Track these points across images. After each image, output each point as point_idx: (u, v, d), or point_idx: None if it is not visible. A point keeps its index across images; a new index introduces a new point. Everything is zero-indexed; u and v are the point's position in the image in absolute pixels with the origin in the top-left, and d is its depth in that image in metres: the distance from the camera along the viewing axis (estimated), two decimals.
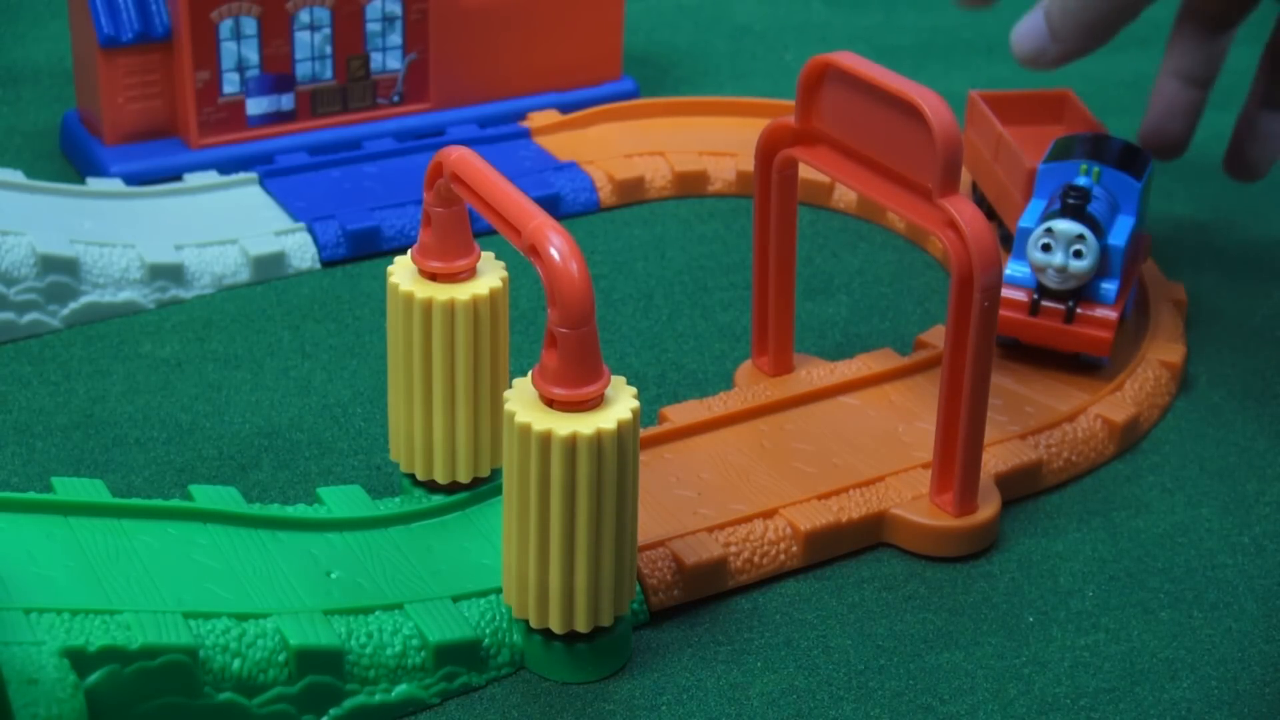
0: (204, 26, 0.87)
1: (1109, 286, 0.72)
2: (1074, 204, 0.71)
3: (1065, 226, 0.71)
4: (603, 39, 0.99)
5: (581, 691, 0.58)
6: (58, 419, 0.71)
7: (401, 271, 0.62)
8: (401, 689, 0.57)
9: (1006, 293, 0.73)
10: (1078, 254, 0.71)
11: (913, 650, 0.60)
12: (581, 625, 0.57)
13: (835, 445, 0.68)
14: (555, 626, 0.57)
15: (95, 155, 0.89)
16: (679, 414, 0.69)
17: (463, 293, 0.60)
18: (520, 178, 0.88)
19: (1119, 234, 0.73)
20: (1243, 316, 0.82)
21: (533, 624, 0.57)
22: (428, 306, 0.60)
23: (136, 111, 0.89)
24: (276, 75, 0.90)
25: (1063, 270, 0.71)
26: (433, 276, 0.61)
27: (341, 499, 0.64)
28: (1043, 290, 0.73)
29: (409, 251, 0.62)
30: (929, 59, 1.12)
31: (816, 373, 0.73)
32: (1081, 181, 0.74)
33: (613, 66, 1.00)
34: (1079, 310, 0.72)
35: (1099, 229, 0.71)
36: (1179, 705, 0.58)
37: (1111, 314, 0.72)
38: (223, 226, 0.84)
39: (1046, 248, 0.71)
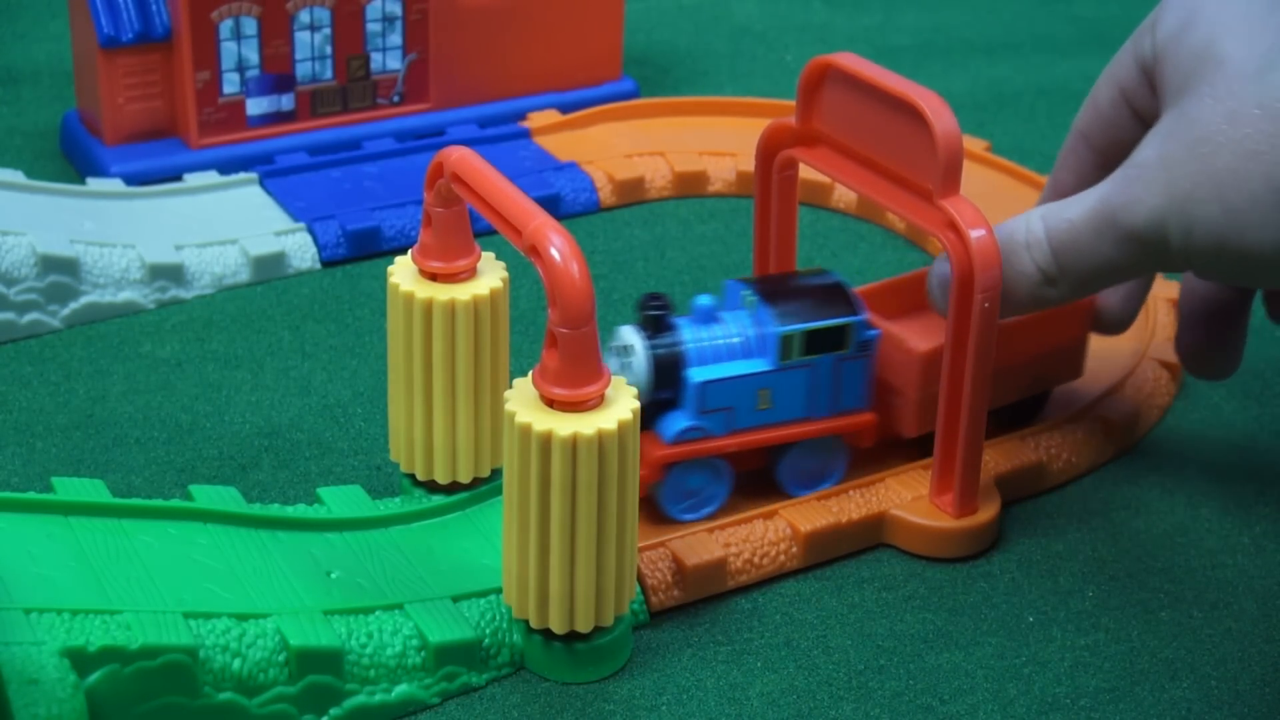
0: (204, 26, 0.87)
1: (674, 422, 0.62)
2: (649, 313, 0.62)
3: (624, 331, 0.62)
4: (603, 39, 0.99)
5: (581, 691, 0.58)
6: (58, 419, 0.71)
7: (402, 271, 0.62)
8: (401, 689, 0.57)
9: None
10: (628, 368, 0.62)
11: (913, 650, 0.61)
12: (581, 625, 0.57)
13: None
14: (555, 627, 0.57)
15: (95, 155, 0.89)
16: None
17: (463, 293, 0.60)
18: (520, 178, 0.88)
19: (720, 370, 0.62)
20: None
21: (533, 624, 0.57)
22: (428, 306, 0.60)
23: (136, 111, 0.89)
24: (276, 75, 0.90)
25: None
26: (433, 277, 0.61)
27: (341, 499, 0.64)
28: None
29: (409, 252, 0.62)
30: (929, 59, 1.12)
31: None
32: (741, 310, 0.63)
33: (613, 66, 1.00)
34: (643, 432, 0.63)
35: (676, 352, 0.62)
36: (1179, 705, 0.58)
37: (659, 451, 0.62)
38: (223, 226, 0.84)
39: (613, 352, 0.62)
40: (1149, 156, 0.56)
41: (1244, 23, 0.55)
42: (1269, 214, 0.53)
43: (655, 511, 0.63)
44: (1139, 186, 0.56)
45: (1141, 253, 0.57)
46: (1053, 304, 0.61)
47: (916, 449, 0.68)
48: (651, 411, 0.62)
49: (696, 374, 0.62)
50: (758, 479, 0.65)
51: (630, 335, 0.62)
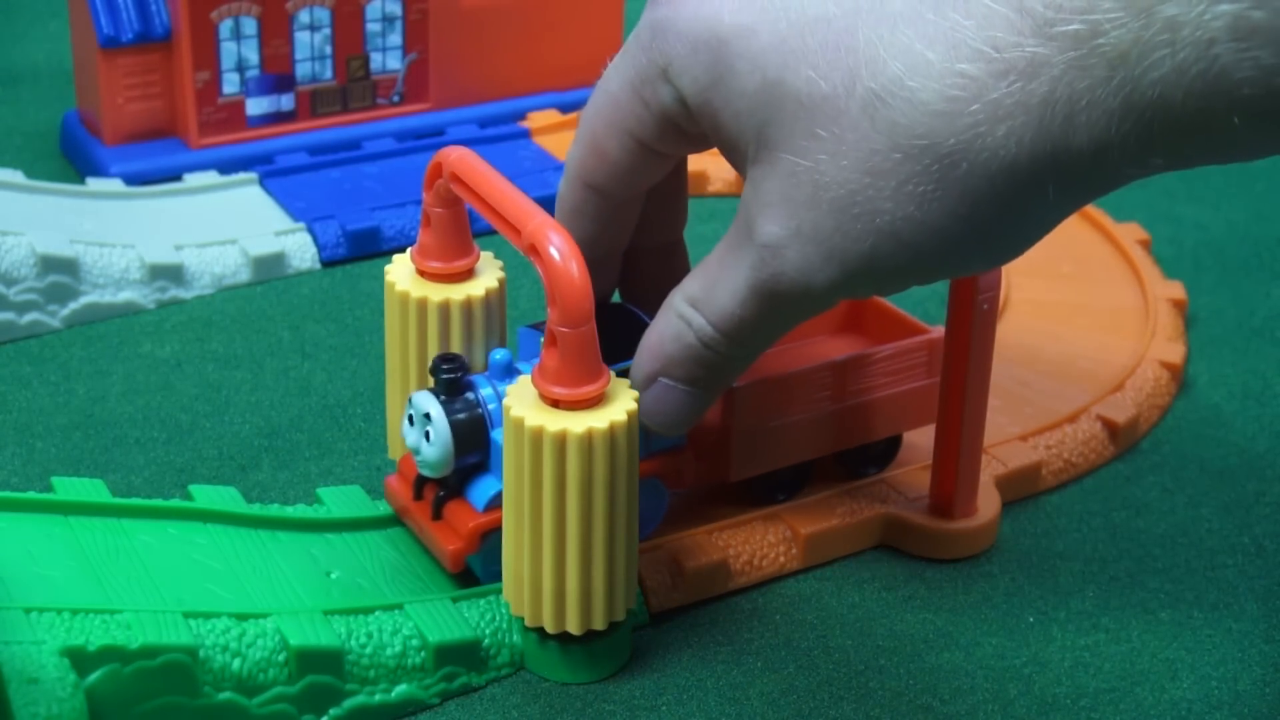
0: (204, 26, 0.87)
1: (486, 485, 0.59)
2: (443, 377, 0.58)
3: (420, 399, 0.58)
4: (603, 39, 0.99)
5: (581, 691, 0.58)
6: (58, 419, 0.71)
7: (400, 271, 0.62)
8: (401, 689, 0.57)
9: (410, 460, 0.60)
10: (429, 436, 0.58)
11: (913, 650, 0.60)
12: (582, 625, 0.56)
13: None
14: (556, 627, 0.57)
15: (95, 155, 0.89)
16: None
17: (461, 292, 0.60)
18: (520, 178, 0.88)
19: None
20: (1243, 316, 0.82)
21: (529, 624, 0.57)
22: (423, 305, 0.60)
23: (136, 111, 0.89)
24: (276, 75, 0.90)
25: (417, 452, 0.58)
26: (431, 276, 0.61)
27: (341, 499, 0.64)
28: None
29: (408, 251, 0.62)
30: None
31: None
32: (535, 360, 0.58)
33: None
34: (448, 505, 0.59)
35: (477, 413, 0.58)
36: (1179, 705, 0.58)
37: (472, 521, 0.58)
38: (223, 226, 0.84)
39: (411, 420, 0.59)
40: (779, 234, 0.51)
41: (797, 54, 0.49)
42: (964, 240, 0.49)
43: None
44: (792, 267, 0.51)
45: (829, 306, 0.53)
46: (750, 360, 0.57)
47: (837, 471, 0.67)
48: (459, 479, 0.59)
49: (501, 435, 0.57)
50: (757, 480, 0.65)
51: (427, 402, 0.58)
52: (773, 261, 0.51)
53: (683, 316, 0.55)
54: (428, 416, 0.58)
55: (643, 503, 0.61)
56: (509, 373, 0.59)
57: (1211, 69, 0.43)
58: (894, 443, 0.67)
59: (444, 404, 0.58)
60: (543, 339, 0.57)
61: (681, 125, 0.54)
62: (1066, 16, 0.45)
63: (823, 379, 0.63)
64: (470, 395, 0.58)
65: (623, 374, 0.57)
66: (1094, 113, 0.45)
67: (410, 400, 0.59)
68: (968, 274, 0.51)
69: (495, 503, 0.58)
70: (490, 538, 0.58)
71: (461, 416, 0.58)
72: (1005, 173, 0.47)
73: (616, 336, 0.58)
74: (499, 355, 0.59)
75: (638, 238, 0.61)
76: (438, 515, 0.59)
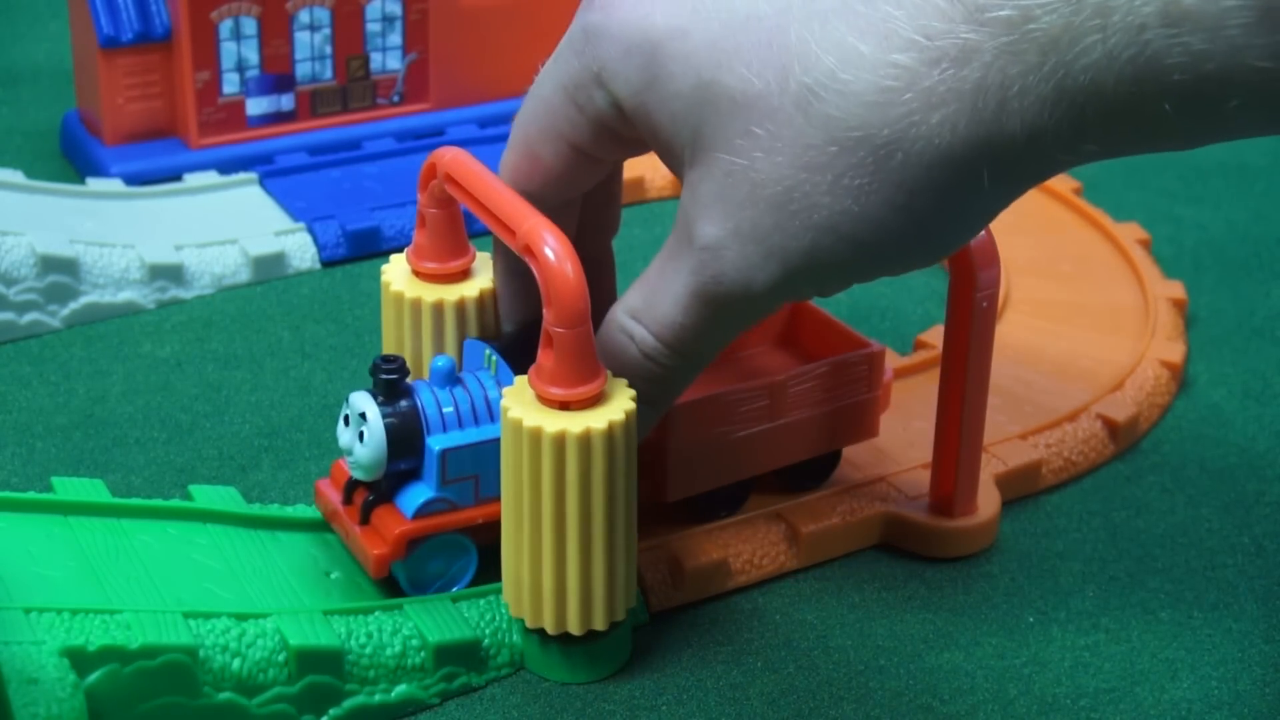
0: (204, 26, 0.87)
1: (415, 494, 0.58)
2: (383, 379, 0.57)
3: (356, 398, 0.58)
4: None
5: (581, 691, 0.58)
6: (58, 419, 0.71)
7: (395, 272, 0.62)
8: (401, 689, 0.57)
9: (344, 465, 0.59)
10: (362, 437, 0.57)
11: (913, 650, 0.60)
12: (581, 626, 0.56)
13: None
14: (555, 627, 0.57)
15: (95, 155, 0.89)
16: None
17: (456, 293, 0.60)
18: None
19: (463, 436, 0.57)
20: (1243, 316, 0.82)
21: (529, 624, 0.57)
22: (417, 306, 0.60)
23: (136, 111, 0.89)
24: (276, 75, 0.90)
25: (350, 453, 0.58)
26: (427, 277, 0.61)
27: None
28: None
29: (404, 252, 0.62)
30: None
31: None
32: (484, 370, 0.59)
33: None
34: (377, 510, 0.59)
35: (414, 418, 0.57)
36: (1179, 705, 0.58)
37: (399, 527, 0.57)
38: (223, 226, 0.84)
39: (346, 420, 0.58)
40: (718, 234, 0.51)
41: (729, 53, 0.49)
42: (904, 232, 0.49)
43: (655, 512, 0.63)
44: (732, 267, 0.51)
45: (772, 309, 0.53)
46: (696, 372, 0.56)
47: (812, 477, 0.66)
48: (391, 484, 0.58)
49: (436, 441, 0.57)
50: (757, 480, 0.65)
51: (363, 402, 0.57)
52: (713, 263, 0.51)
53: (624, 330, 0.55)
54: (363, 417, 0.57)
55: None
56: (450, 380, 0.58)
57: (1142, 54, 0.43)
58: (834, 457, 0.66)
59: (380, 405, 0.57)
60: (485, 351, 0.58)
61: (616, 129, 0.53)
62: (998, 2, 0.45)
63: (760, 396, 0.62)
64: (408, 400, 0.57)
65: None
66: (1026, 99, 0.45)
67: (347, 399, 0.58)
68: (909, 268, 0.51)
69: (424, 510, 0.57)
70: (417, 546, 0.58)
71: (396, 420, 0.57)
72: (940, 161, 0.47)
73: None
74: (441, 363, 0.58)
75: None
76: (365, 520, 0.58)
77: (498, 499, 0.57)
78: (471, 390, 0.58)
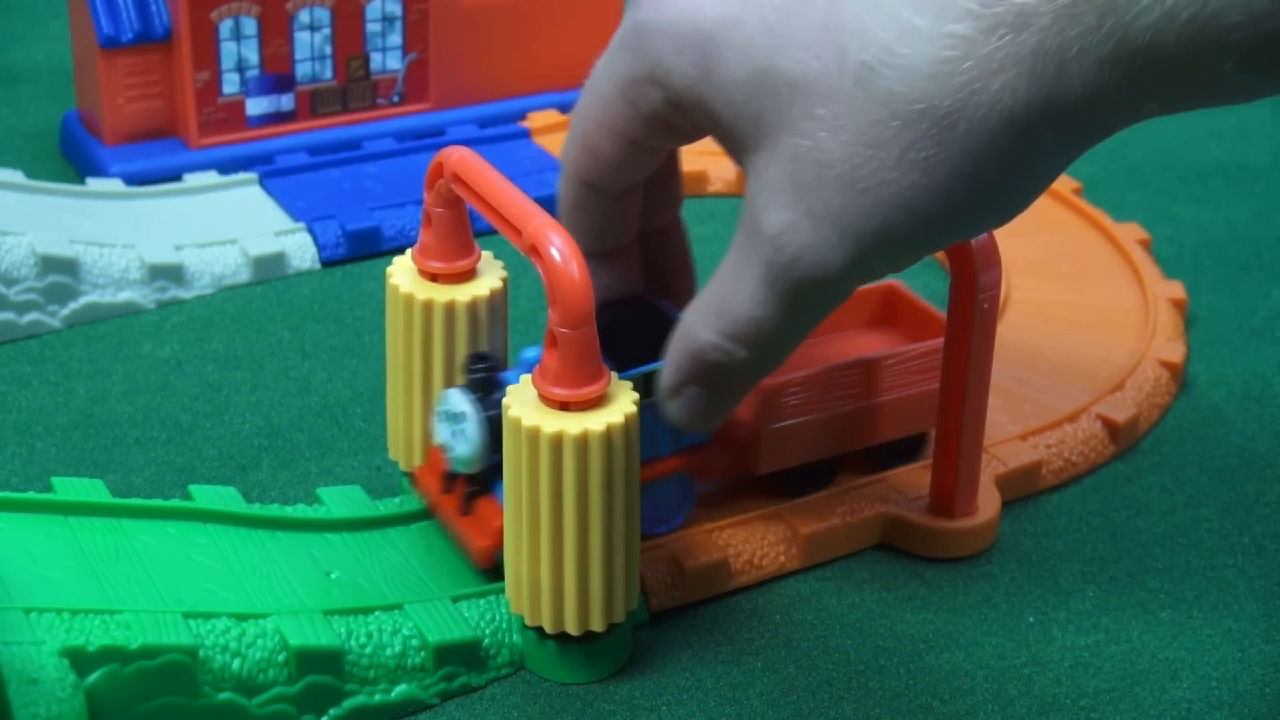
0: (204, 26, 0.87)
1: None
2: (476, 375, 0.59)
3: (453, 398, 0.59)
4: (603, 39, 0.98)
5: (581, 691, 0.58)
6: (58, 419, 0.71)
7: (401, 271, 0.62)
8: (401, 689, 0.57)
9: (446, 459, 0.60)
10: (460, 433, 0.58)
11: (913, 650, 0.60)
12: (584, 626, 0.56)
13: None
14: (550, 626, 0.57)
15: (95, 155, 0.89)
16: None
17: (463, 293, 0.60)
18: (520, 178, 0.88)
19: None
20: (1243, 316, 0.82)
21: (528, 621, 0.57)
22: (427, 306, 0.60)
23: (136, 111, 0.89)
24: (276, 75, 0.90)
25: (446, 450, 0.59)
26: (433, 277, 0.61)
27: (341, 499, 0.64)
28: None
29: (408, 251, 0.62)
30: None
31: None
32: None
33: None
34: (477, 501, 0.60)
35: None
36: (1179, 705, 0.58)
37: (500, 520, 0.58)
38: (223, 226, 0.84)
39: (441, 418, 0.59)
40: (789, 219, 0.50)
41: (784, 37, 0.49)
42: (973, 200, 0.49)
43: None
44: (807, 249, 0.50)
45: (848, 293, 0.53)
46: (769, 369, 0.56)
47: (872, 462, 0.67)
48: (489, 475, 0.59)
49: None
50: (757, 480, 0.65)
51: (460, 401, 0.58)
52: (787, 249, 0.51)
53: (697, 338, 0.55)
54: (461, 415, 0.58)
55: (673, 495, 0.62)
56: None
57: (1201, 14, 0.43)
58: (920, 438, 0.68)
59: (478, 402, 0.58)
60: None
61: (672, 122, 0.54)
62: None
63: (850, 377, 0.63)
64: (501, 394, 0.58)
65: (650, 376, 0.57)
66: (1085, 60, 0.45)
67: (443, 397, 0.59)
68: (979, 233, 0.52)
69: None
70: None
71: (496, 414, 0.58)
72: (1003, 126, 0.47)
73: (645, 332, 0.59)
74: (531, 353, 0.59)
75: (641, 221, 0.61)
76: (467, 510, 0.60)
77: None
78: None
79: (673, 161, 0.61)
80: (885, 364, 0.64)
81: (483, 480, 0.60)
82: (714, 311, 0.54)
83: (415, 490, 0.63)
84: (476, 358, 0.59)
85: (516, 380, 0.58)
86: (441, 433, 0.59)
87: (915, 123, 0.47)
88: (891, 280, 0.68)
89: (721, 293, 0.54)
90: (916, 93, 0.47)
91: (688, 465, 0.62)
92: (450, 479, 0.60)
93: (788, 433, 0.63)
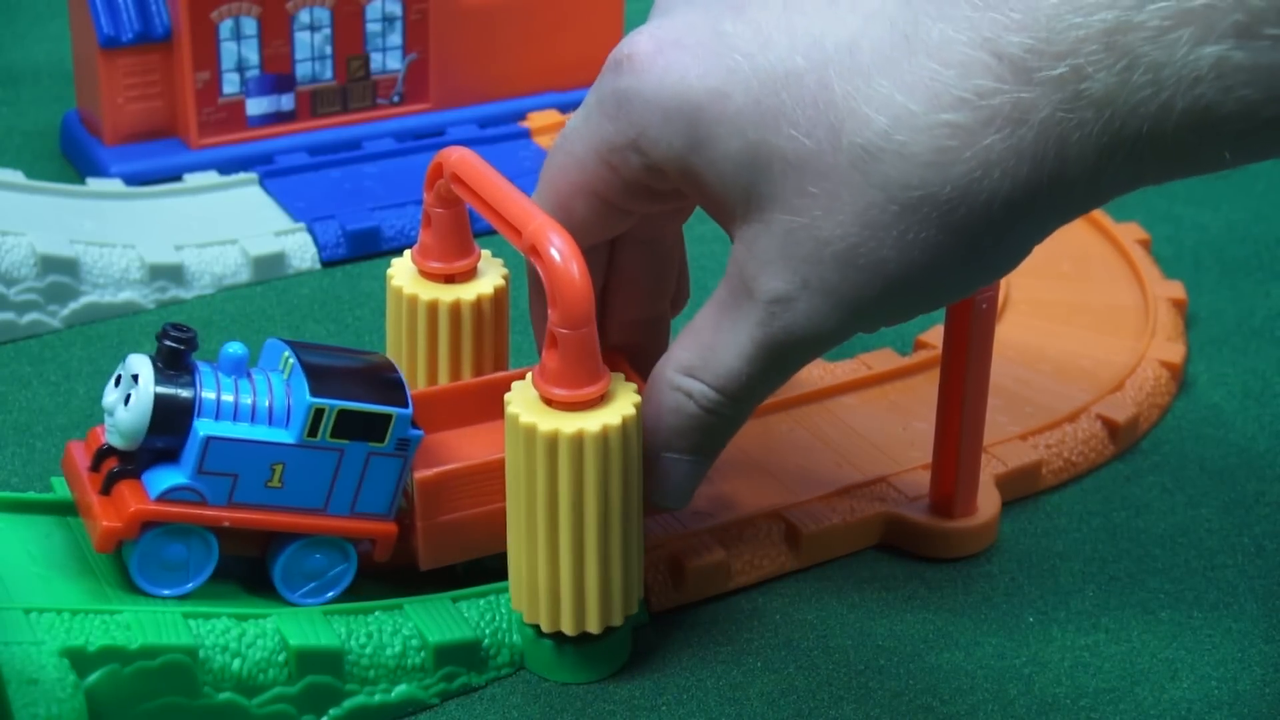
0: (204, 26, 0.87)
1: (165, 476, 0.54)
2: (168, 345, 0.54)
3: (134, 359, 0.54)
4: (603, 39, 0.99)
5: (581, 691, 0.58)
6: (58, 419, 0.71)
7: (401, 272, 0.62)
8: (401, 689, 0.57)
9: (102, 431, 0.55)
10: (128, 400, 0.54)
11: (913, 650, 0.60)
12: (587, 626, 0.56)
13: (835, 446, 0.68)
14: (558, 627, 0.57)
15: (95, 155, 0.89)
16: None
17: (463, 293, 0.60)
18: (520, 178, 0.88)
19: (233, 430, 0.54)
20: (1243, 316, 0.82)
21: (526, 619, 0.57)
22: (428, 307, 0.60)
23: (136, 111, 0.89)
24: (276, 75, 0.90)
25: (110, 414, 0.54)
26: (433, 277, 0.61)
27: None
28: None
29: (408, 252, 0.62)
30: None
31: (816, 373, 0.73)
32: (276, 372, 0.56)
33: None
34: (119, 484, 0.54)
35: (187, 394, 0.54)
36: (1179, 705, 0.58)
37: (137, 504, 0.54)
38: (223, 226, 0.84)
39: (118, 381, 0.54)
40: (785, 289, 0.51)
41: (774, 112, 0.49)
42: (969, 272, 0.50)
43: (654, 513, 0.63)
44: (803, 317, 0.51)
45: (833, 348, 0.54)
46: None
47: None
48: (145, 460, 0.54)
49: (204, 426, 0.53)
50: (757, 480, 0.65)
51: (139, 364, 0.54)
52: (783, 315, 0.51)
53: (679, 388, 0.55)
54: (135, 379, 0.53)
55: (330, 565, 0.57)
56: (238, 370, 0.55)
57: (1197, 106, 0.44)
58: None
59: (157, 372, 0.54)
60: (286, 354, 0.56)
61: (652, 187, 0.54)
62: (1050, 63, 0.45)
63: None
64: (187, 376, 0.54)
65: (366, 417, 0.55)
66: (1085, 147, 0.46)
67: (125, 358, 0.54)
68: (971, 294, 0.53)
69: (169, 496, 0.54)
70: (152, 530, 0.54)
71: (168, 391, 0.53)
72: (1003, 210, 0.48)
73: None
74: (233, 349, 0.55)
75: (626, 308, 0.60)
76: (107, 490, 0.54)
77: (250, 506, 0.55)
78: (258, 387, 0.55)
79: (670, 254, 0.60)
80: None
81: (135, 465, 0.54)
82: (699, 364, 0.54)
83: (62, 471, 0.57)
84: (175, 327, 0.54)
85: (209, 373, 0.55)
86: (109, 395, 0.54)
87: (915, 208, 0.48)
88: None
89: (703, 346, 0.54)
90: (915, 180, 0.47)
91: (355, 532, 0.57)
92: (103, 455, 0.55)
93: (451, 526, 0.58)
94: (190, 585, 0.56)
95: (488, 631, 0.58)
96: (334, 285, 0.82)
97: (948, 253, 0.49)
